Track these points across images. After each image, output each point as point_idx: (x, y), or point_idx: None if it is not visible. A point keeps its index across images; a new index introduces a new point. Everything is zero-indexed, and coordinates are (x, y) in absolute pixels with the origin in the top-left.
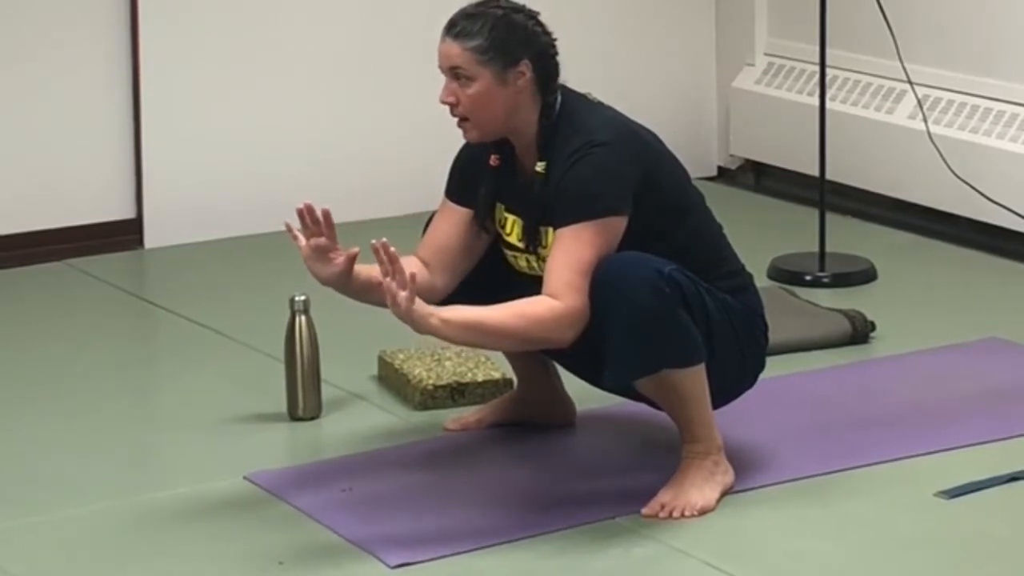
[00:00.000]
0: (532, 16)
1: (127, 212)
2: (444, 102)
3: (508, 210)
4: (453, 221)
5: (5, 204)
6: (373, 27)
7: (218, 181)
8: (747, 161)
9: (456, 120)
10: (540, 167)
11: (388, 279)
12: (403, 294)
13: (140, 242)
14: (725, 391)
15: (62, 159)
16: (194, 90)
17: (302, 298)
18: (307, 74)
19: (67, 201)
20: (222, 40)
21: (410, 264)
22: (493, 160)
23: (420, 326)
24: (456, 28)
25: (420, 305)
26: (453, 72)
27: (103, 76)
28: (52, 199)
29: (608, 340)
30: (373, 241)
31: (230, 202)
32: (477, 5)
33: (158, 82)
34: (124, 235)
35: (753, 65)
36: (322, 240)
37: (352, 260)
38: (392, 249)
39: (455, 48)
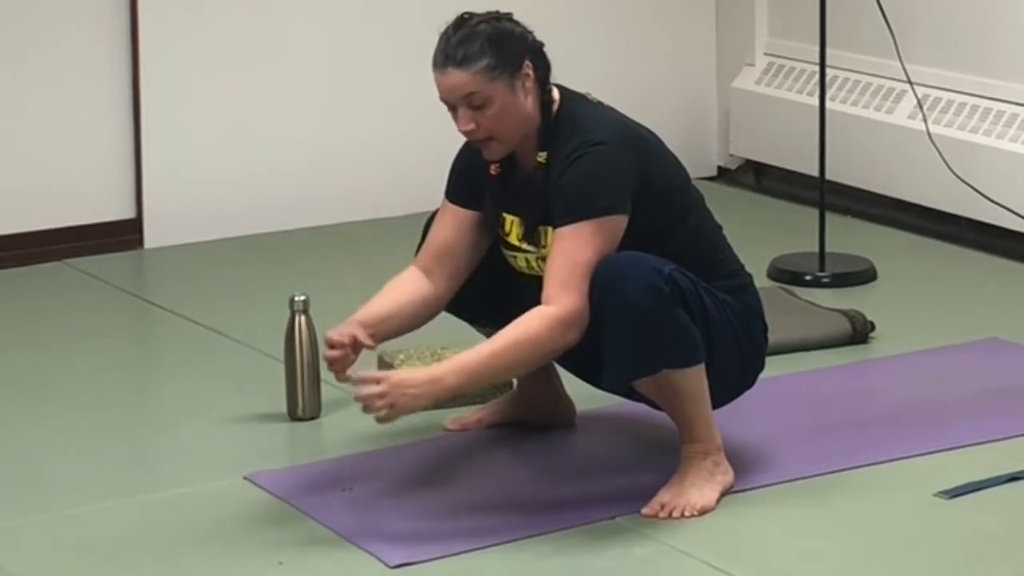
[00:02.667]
0: (509, 18)
1: (127, 212)
2: (466, 131)
3: (507, 210)
4: (455, 223)
5: (5, 204)
6: (372, 27)
7: (218, 181)
8: (747, 161)
9: (476, 142)
10: (541, 157)
11: (360, 394)
12: (378, 388)
13: (140, 242)
14: (725, 391)
15: (62, 159)
16: (194, 90)
17: (302, 298)
18: (307, 74)
19: (67, 201)
20: (222, 40)
21: (403, 288)
22: (494, 170)
23: (421, 404)
24: (456, 56)
25: (413, 375)
26: (467, 100)
27: (103, 76)
28: (52, 199)
29: (607, 341)
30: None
31: (230, 202)
32: (457, 29)
33: (158, 82)
34: (124, 235)
35: (753, 65)
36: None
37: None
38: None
39: (463, 76)
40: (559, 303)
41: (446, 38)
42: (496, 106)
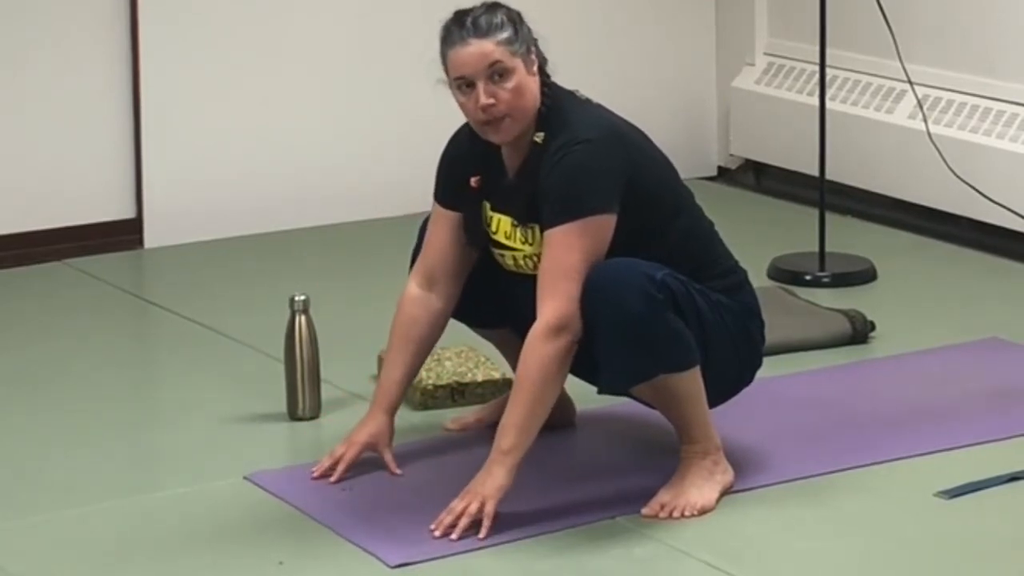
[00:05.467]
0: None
1: (127, 212)
2: (485, 107)
3: (495, 209)
4: (449, 228)
5: (5, 204)
6: (372, 27)
7: (218, 181)
8: (747, 161)
9: (487, 124)
10: (539, 137)
11: (448, 531)
12: (462, 503)
13: (140, 242)
14: (722, 391)
15: (62, 159)
16: (194, 90)
17: (302, 298)
18: (307, 74)
19: (67, 201)
20: (222, 40)
21: (414, 329)
22: (474, 183)
23: (503, 480)
24: (481, 28)
25: (482, 477)
26: (490, 70)
27: (103, 76)
28: (52, 199)
29: (602, 348)
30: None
31: (230, 202)
32: (471, 9)
33: (158, 82)
34: (124, 235)
35: (753, 65)
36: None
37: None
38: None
39: (488, 45)
40: (543, 313)
41: (461, 16)
42: (515, 80)
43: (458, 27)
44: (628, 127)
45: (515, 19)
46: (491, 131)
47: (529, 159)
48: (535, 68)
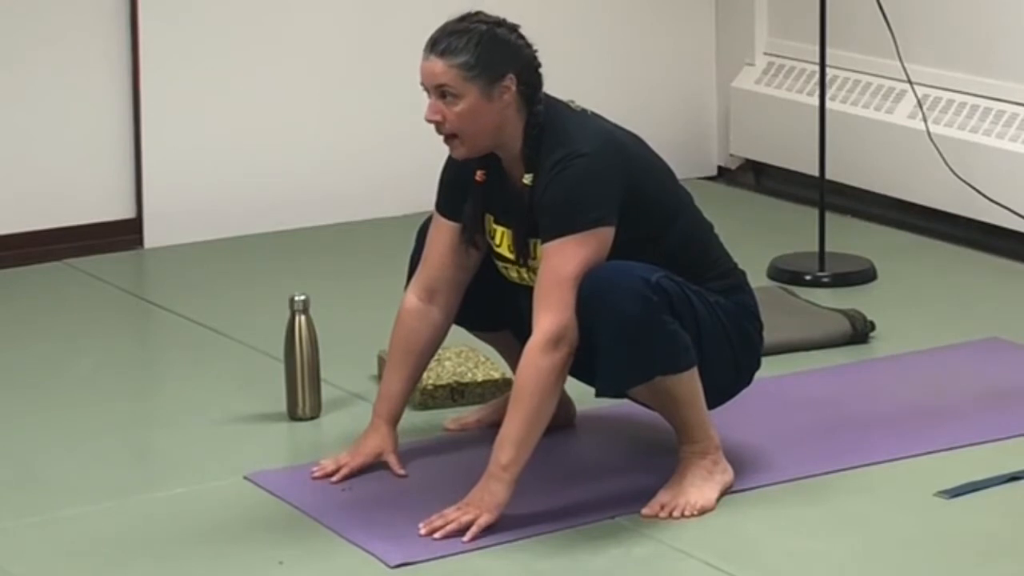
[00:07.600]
0: (514, 29)
1: (127, 212)
2: (430, 121)
3: (498, 222)
4: (449, 239)
5: (5, 204)
6: (373, 27)
7: (218, 181)
8: (747, 161)
9: (443, 137)
10: (527, 179)
11: (434, 532)
12: (456, 511)
13: (140, 242)
14: (720, 392)
15: (62, 159)
16: (194, 90)
17: (302, 298)
18: (307, 74)
19: (67, 201)
20: (222, 40)
21: (415, 341)
22: (479, 176)
23: (502, 496)
24: (441, 45)
25: (480, 492)
26: (439, 90)
27: (103, 76)
28: (52, 199)
29: (597, 350)
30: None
31: (230, 202)
32: (458, 21)
33: (158, 82)
34: (124, 235)
35: (753, 65)
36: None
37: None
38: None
39: (440, 66)
40: (539, 325)
41: (444, 26)
42: (464, 105)
43: (432, 35)
44: (624, 134)
45: (488, 43)
46: (447, 144)
47: (522, 198)
48: (508, 97)
